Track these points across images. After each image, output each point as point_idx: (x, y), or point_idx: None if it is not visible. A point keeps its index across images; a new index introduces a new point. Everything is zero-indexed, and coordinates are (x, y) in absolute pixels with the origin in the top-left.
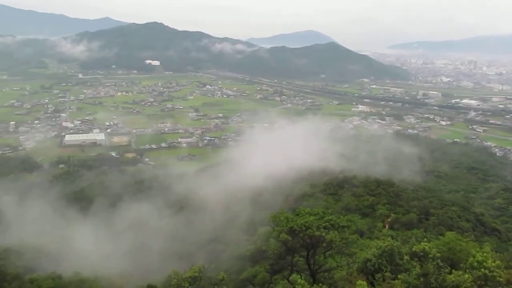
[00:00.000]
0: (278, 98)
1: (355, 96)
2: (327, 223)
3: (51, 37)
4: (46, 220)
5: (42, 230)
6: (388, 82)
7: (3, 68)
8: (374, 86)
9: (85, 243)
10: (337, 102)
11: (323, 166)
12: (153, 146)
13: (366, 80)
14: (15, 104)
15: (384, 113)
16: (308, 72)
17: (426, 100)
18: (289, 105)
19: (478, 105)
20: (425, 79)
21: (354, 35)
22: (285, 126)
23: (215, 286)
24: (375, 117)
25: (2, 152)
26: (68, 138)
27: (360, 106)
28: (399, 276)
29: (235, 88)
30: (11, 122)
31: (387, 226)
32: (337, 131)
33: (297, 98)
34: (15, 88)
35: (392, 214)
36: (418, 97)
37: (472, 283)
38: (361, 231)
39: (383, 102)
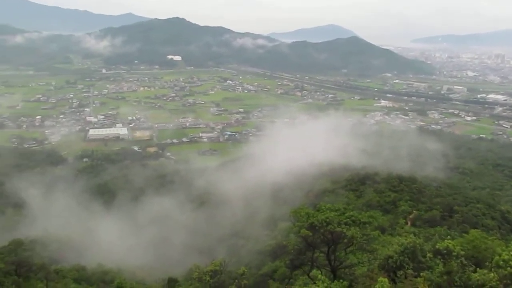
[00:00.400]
0: (299, 93)
1: (377, 91)
2: (348, 219)
3: (76, 33)
4: (70, 212)
5: (67, 222)
6: (411, 76)
7: (29, 63)
8: (397, 81)
9: (108, 235)
10: (358, 97)
11: (344, 162)
12: (175, 140)
13: (388, 75)
14: (41, 99)
15: (407, 108)
16: (330, 67)
17: (451, 95)
18: (310, 100)
19: (505, 100)
20: (450, 74)
21: (377, 29)
22: (306, 121)
23: (236, 280)
24: (398, 112)
25: (28, 145)
26: (92, 132)
27: (382, 101)
28: (421, 273)
29: (256, 83)
30: (37, 116)
31: (409, 223)
32: (359, 126)
33: (318, 93)
34: (41, 83)
35: (414, 211)
36: (443, 92)
37: (498, 282)
38: (383, 228)
39: (406, 97)
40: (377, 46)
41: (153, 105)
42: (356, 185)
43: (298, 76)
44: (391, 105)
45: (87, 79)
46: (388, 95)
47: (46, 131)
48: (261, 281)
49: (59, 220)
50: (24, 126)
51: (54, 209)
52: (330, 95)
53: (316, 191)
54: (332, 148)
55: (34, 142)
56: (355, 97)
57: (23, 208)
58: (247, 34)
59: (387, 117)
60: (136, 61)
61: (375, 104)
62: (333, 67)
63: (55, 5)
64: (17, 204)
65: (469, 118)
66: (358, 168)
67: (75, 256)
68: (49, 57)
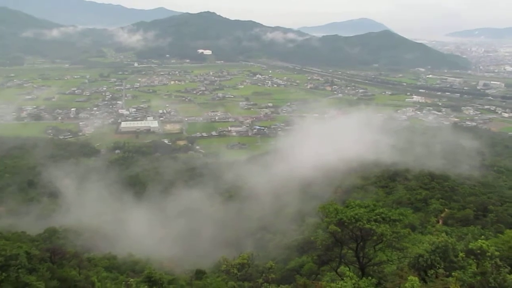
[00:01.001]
0: (329, 88)
1: (410, 86)
2: (378, 216)
3: (109, 27)
4: (102, 202)
5: (99, 212)
6: (445, 71)
7: (65, 57)
8: (430, 75)
9: (138, 226)
10: (390, 92)
11: (374, 158)
12: (204, 134)
13: (421, 69)
14: (76, 91)
15: (440, 104)
16: (361, 61)
17: (487, 91)
18: (340, 95)
19: None
20: (486, 69)
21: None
22: (335, 116)
23: (263, 274)
24: (431, 108)
25: (63, 137)
26: (124, 125)
27: (414, 96)
28: (453, 273)
29: (285, 78)
30: (72, 109)
31: (440, 222)
32: (390, 122)
33: (348, 88)
34: (76, 76)
35: (446, 209)
36: (478, 87)
37: None
38: (413, 226)
39: (439, 93)
40: (410, 40)
41: (183, 98)
42: (386, 181)
43: (328, 70)
44: (423, 100)
45: (120, 73)
46: (420, 90)
47: (80, 123)
48: (288, 276)
49: (91, 210)
50: (60, 118)
51: (87, 199)
52: (360, 90)
53: (345, 187)
54: (361, 144)
55: (69, 134)
56: (386, 92)
57: (57, 197)
58: (277, 28)
59: (419, 113)
60: (167, 55)
61: (407, 100)
62: (364, 62)
63: (91, 0)
64: (53, 194)
65: (506, 115)
66: (388, 164)
67: (106, 245)
68: (84, 51)
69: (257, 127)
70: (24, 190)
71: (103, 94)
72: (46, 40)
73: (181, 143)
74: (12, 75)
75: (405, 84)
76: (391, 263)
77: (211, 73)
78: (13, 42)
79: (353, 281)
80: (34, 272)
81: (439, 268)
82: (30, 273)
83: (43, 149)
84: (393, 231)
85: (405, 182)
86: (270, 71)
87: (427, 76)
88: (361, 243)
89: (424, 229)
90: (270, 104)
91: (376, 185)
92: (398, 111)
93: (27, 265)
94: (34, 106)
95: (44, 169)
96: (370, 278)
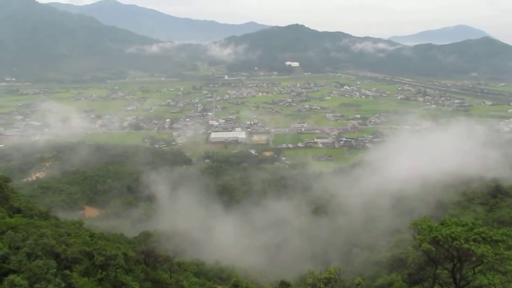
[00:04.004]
0: (421, 99)
1: None
2: (478, 236)
3: (203, 42)
4: (192, 209)
5: (189, 218)
6: None
7: (163, 70)
8: None
9: (224, 233)
10: (490, 103)
11: (472, 173)
12: (290, 145)
13: None
14: (171, 103)
15: None
16: (457, 71)
17: None
18: (434, 105)
19: None
20: None
21: None
22: (429, 128)
23: None
24: None
25: (159, 146)
26: (214, 135)
27: None
28: None
29: (374, 88)
30: (167, 119)
31: None
32: (490, 134)
33: (442, 98)
34: (171, 89)
35: None
36: None
37: None
38: None
39: None
40: None
41: (270, 110)
42: (486, 198)
43: (421, 80)
44: None
45: (211, 85)
46: None
47: (174, 133)
48: None
49: (182, 215)
50: (156, 128)
51: (178, 205)
52: (456, 101)
53: (439, 202)
54: (458, 157)
55: (164, 143)
56: (486, 103)
57: (152, 202)
58: (366, 38)
59: None
60: (256, 68)
61: (510, 110)
62: (460, 71)
63: (187, 17)
64: (148, 198)
65: None
66: (489, 179)
67: (194, 250)
68: (179, 65)
69: (344, 138)
70: (124, 195)
71: (195, 105)
72: (146, 55)
73: (268, 154)
74: (117, 88)
75: (508, 93)
76: (493, 287)
77: (298, 85)
78: (119, 58)
79: None
80: (130, 272)
81: None
82: (127, 273)
83: (141, 156)
84: (496, 253)
85: (508, 199)
86: (358, 82)
87: None
88: (458, 264)
89: None
90: (357, 116)
91: (475, 201)
92: (500, 123)
93: (124, 266)
94: (134, 117)
95: (141, 176)
96: None
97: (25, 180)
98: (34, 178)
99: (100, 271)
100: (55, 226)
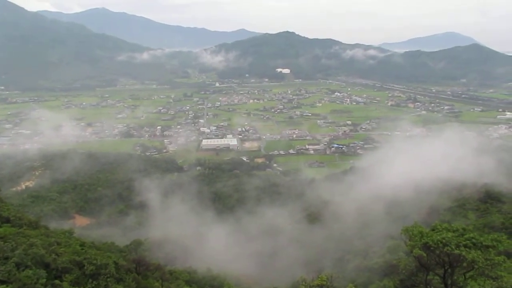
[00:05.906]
0: (411, 105)
1: (502, 102)
2: (468, 241)
3: (194, 49)
4: (183, 217)
5: (180, 225)
6: None
7: (153, 78)
8: None
9: (216, 241)
10: (479, 109)
11: (462, 179)
12: (281, 152)
13: None
14: (162, 110)
15: None
16: (446, 77)
17: None
18: (424, 112)
19: None
20: None
21: (502, 35)
22: (419, 134)
23: None
24: None
25: (150, 153)
26: (205, 142)
27: (508, 113)
28: None
29: (364, 95)
30: (158, 127)
31: None
32: (479, 140)
33: (432, 104)
34: (162, 96)
35: None
36: None
37: None
38: (509, 253)
39: None
40: (502, 53)
41: (262, 117)
42: (476, 204)
43: (411, 87)
44: None
45: (202, 92)
46: None
47: (165, 140)
48: None
49: (174, 223)
50: (147, 135)
51: (170, 212)
52: (446, 107)
53: (429, 208)
54: (448, 163)
55: (155, 150)
56: (475, 109)
57: (143, 210)
58: (357, 45)
59: None
60: (247, 75)
61: (498, 117)
62: (450, 77)
63: (177, 24)
64: (140, 206)
65: None
66: (479, 185)
67: (186, 258)
68: (170, 72)
69: (335, 145)
70: (115, 203)
71: (186, 113)
72: (137, 62)
73: (259, 160)
74: (107, 95)
75: (496, 100)
76: None
77: (289, 92)
78: (109, 65)
79: None
80: (121, 281)
81: None
82: (118, 282)
83: (132, 164)
84: (486, 258)
85: (498, 204)
86: (349, 89)
87: None
88: (449, 270)
89: None
90: (348, 122)
91: (464, 207)
92: (489, 129)
93: (115, 275)
94: (125, 124)
95: (133, 184)
96: None
97: (14, 189)
98: (24, 187)
99: (90, 280)
100: (45, 235)
